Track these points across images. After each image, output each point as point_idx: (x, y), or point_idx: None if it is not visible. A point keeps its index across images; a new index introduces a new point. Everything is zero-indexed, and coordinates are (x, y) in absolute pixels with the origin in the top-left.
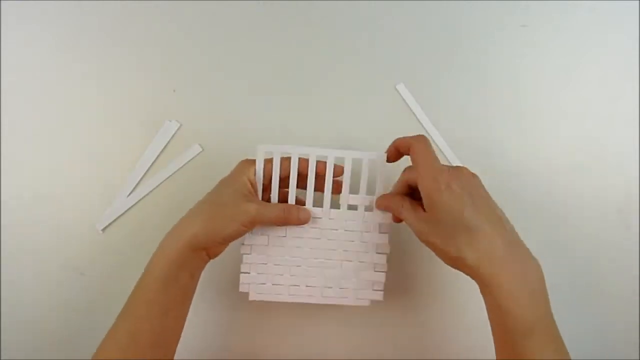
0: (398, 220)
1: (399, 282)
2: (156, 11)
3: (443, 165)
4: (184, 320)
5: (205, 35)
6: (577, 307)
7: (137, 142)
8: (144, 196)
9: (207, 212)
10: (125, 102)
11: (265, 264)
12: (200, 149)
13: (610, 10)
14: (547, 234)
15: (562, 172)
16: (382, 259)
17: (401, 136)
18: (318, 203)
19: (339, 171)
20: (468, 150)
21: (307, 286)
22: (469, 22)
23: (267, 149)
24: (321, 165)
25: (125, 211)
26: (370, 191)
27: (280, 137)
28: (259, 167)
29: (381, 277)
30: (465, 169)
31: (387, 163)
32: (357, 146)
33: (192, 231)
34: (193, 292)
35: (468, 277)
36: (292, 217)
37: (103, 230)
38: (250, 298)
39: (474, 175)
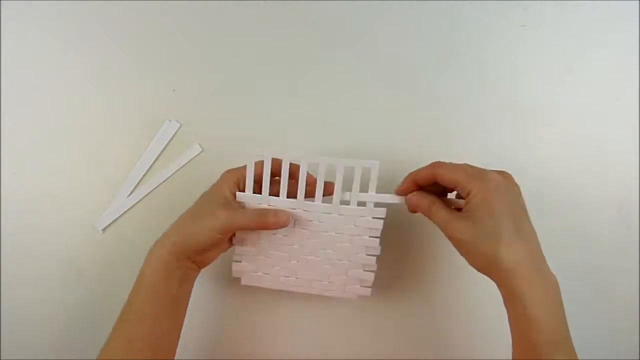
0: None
1: (396, 277)
2: (156, 11)
3: (484, 168)
4: (180, 325)
5: (205, 35)
6: (577, 307)
7: (137, 142)
8: (144, 196)
9: (184, 222)
10: (125, 102)
11: (257, 256)
12: (200, 149)
13: (610, 10)
14: (547, 234)
15: (562, 172)
16: (372, 260)
17: (412, 171)
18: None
19: (329, 188)
20: (467, 150)
21: (297, 278)
22: (469, 22)
23: (258, 152)
24: (311, 179)
25: (125, 211)
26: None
27: (279, 137)
28: (250, 169)
29: (370, 276)
30: (510, 174)
31: (378, 171)
32: (357, 145)
33: (172, 240)
34: (186, 300)
35: (470, 279)
36: (269, 221)
37: (103, 230)
38: (243, 282)
39: (516, 184)
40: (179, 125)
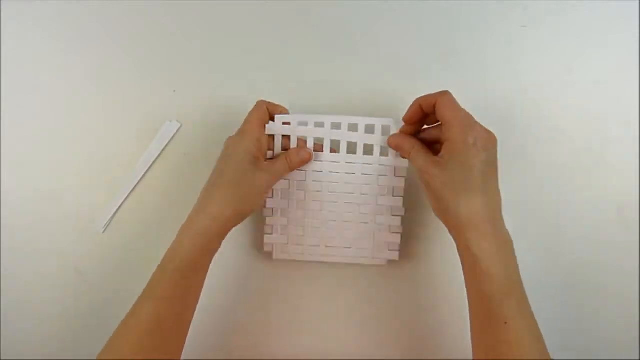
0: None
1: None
2: (156, 11)
3: (476, 121)
4: (199, 296)
5: (205, 35)
6: (577, 307)
7: (137, 142)
8: (144, 196)
9: (226, 193)
10: (125, 102)
11: (287, 225)
12: (200, 149)
13: (610, 10)
14: (547, 233)
15: (562, 172)
16: (397, 221)
17: (421, 95)
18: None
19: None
20: None
21: (326, 246)
22: (469, 22)
23: (283, 119)
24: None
25: (126, 211)
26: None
27: None
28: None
29: (396, 238)
30: (494, 135)
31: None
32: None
33: (227, 215)
34: (207, 271)
35: None
36: (294, 160)
37: (103, 230)
38: (274, 257)
39: (496, 145)
40: (179, 125)
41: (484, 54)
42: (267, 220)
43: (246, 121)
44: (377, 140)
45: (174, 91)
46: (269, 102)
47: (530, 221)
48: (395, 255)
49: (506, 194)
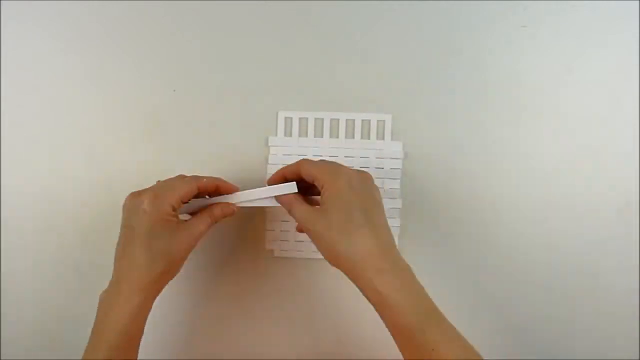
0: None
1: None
2: (156, 11)
3: (343, 166)
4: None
5: (205, 35)
6: (577, 307)
7: (137, 142)
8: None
9: (145, 258)
10: (125, 102)
11: (287, 223)
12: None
13: (610, 10)
14: (547, 234)
15: (562, 172)
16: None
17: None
18: None
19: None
20: (467, 149)
21: None
22: (469, 22)
23: (286, 115)
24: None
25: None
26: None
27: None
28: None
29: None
30: (367, 173)
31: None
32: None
33: (151, 278)
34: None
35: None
36: (217, 216)
37: (103, 230)
38: (275, 254)
39: (372, 180)
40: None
41: (484, 54)
42: (268, 223)
43: (166, 186)
44: (373, 134)
45: (174, 91)
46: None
47: (529, 221)
48: None
49: (505, 194)
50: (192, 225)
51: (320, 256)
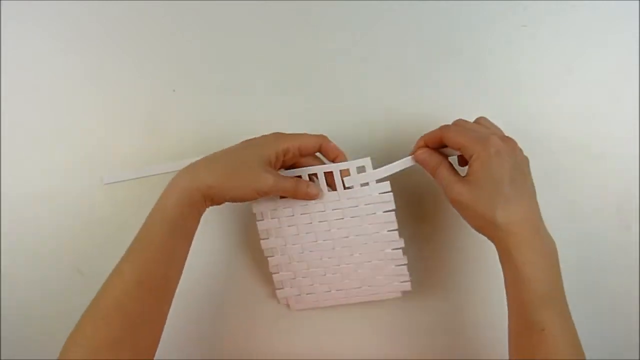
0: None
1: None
2: (156, 11)
3: (490, 133)
4: (184, 263)
5: (205, 35)
6: (576, 307)
7: (137, 141)
8: (146, 196)
9: (227, 168)
10: (125, 102)
11: (294, 278)
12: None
13: (610, 10)
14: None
15: (561, 172)
16: (398, 254)
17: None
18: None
19: (345, 173)
20: None
21: (337, 290)
22: (469, 22)
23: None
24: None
25: (126, 211)
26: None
27: None
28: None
29: (403, 269)
30: (516, 142)
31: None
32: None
33: (209, 182)
34: (193, 237)
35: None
36: (302, 189)
37: (103, 230)
38: (292, 308)
39: (521, 150)
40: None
41: (484, 54)
42: (275, 277)
43: (284, 138)
44: (355, 180)
45: (174, 91)
46: (330, 143)
47: None
48: (407, 286)
49: None
50: (279, 176)
51: (335, 303)
